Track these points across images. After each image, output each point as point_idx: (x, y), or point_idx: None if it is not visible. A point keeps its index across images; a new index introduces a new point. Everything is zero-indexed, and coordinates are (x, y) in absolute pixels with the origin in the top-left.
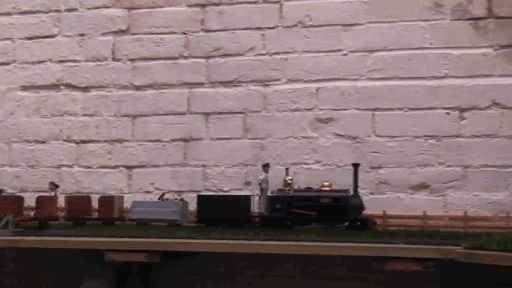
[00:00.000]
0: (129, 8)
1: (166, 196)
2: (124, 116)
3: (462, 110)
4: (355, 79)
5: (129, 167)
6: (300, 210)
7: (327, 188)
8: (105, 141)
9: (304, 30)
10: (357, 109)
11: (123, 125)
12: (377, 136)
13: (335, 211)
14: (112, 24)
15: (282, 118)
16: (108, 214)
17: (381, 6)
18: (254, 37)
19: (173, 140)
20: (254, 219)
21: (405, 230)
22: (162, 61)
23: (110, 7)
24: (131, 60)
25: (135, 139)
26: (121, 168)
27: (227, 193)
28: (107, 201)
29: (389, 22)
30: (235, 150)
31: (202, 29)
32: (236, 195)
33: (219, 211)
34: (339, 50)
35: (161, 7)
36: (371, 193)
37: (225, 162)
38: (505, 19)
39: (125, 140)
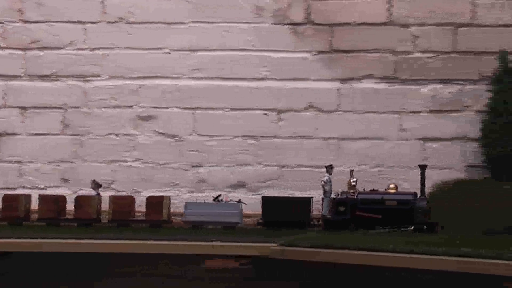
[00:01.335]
0: None
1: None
2: None
3: (280, 111)
4: (176, 78)
5: None
6: (364, 213)
7: (392, 191)
8: None
9: (127, 26)
10: (178, 107)
11: None
12: (197, 134)
13: (401, 214)
14: None
15: (102, 114)
16: (157, 216)
17: (204, 6)
18: (75, 31)
19: None
20: (318, 222)
21: (223, 228)
22: None
23: None
24: None
25: None
26: None
27: (44, 191)
28: (156, 202)
29: (212, 23)
30: (53, 146)
31: (20, 20)
32: (300, 197)
33: (284, 214)
34: (162, 48)
35: None
36: (191, 192)
37: (42, 159)
38: (322, 25)
39: None
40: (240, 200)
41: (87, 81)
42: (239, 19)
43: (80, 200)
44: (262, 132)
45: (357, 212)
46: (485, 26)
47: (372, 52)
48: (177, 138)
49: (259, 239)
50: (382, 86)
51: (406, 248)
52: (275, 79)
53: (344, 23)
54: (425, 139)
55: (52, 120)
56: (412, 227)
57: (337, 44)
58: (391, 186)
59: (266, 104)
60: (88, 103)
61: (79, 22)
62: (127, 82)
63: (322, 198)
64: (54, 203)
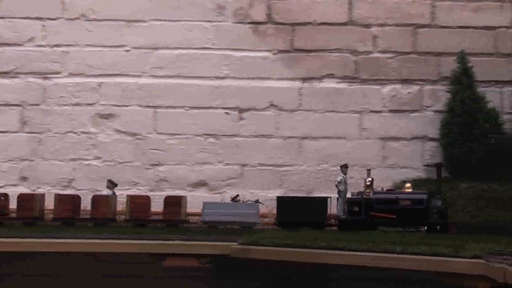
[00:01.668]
0: None
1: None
2: None
3: (241, 110)
4: (137, 76)
5: None
6: (379, 213)
7: (408, 190)
8: None
9: (87, 23)
10: (139, 105)
11: None
12: (158, 133)
13: (415, 214)
14: None
15: (62, 112)
16: (175, 216)
17: (166, 4)
18: (34, 27)
19: None
20: (334, 223)
21: (185, 226)
22: None
23: None
24: None
25: None
26: None
27: (3, 189)
28: (173, 202)
29: (173, 21)
30: (10, 144)
31: None
32: (316, 197)
33: (300, 214)
34: (122, 46)
35: None
36: (151, 190)
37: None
38: (284, 25)
39: None
40: (257, 200)
41: (47, 78)
42: (200, 18)
43: (97, 200)
44: (223, 131)
45: (372, 212)
46: (444, 27)
47: (332, 52)
48: (137, 137)
49: (221, 238)
50: (342, 85)
51: (365, 247)
52: (236, 78)
53: (305, 22)
54: (385, 139)
55: (10, 118)
56: (425, 228)
57: (298, 43)
58: (408, 185)
59: (227, 103)
60: (47, 101)
61: (38, 18)
62: (88, 79)
63: (337, 198)
64: (70, 202)
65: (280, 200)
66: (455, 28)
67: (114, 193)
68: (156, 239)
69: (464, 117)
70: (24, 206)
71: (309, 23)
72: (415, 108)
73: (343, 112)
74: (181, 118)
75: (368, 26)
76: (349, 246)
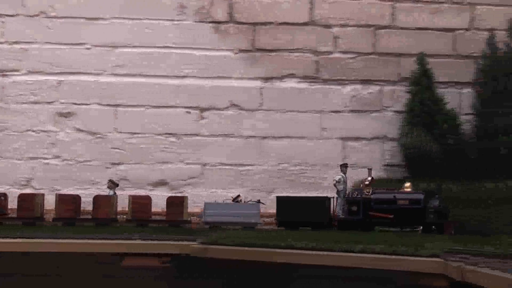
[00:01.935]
0: None
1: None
2: None
3: (202, 109)
4: (98, 74)
5: None
6: (377, 213)
7: (408, 189)
8: None
9: (47, 20)
10: (99, 104)
11: None
12: (118, 132)
13: (413, 214)
14: None
15: (20, 110)
16: (177, 216)
17: (126, 2)
18: None
19: None
20: (334, 223)
21: (147, 225)
22: None
23: None
24: None
25: None
26: None
27: None
28: (176, 202)
29: (134, 19)
30: None
31: None
32: (316, 197)
33: (300, 214)
34: (82, 44)
35: None
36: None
37: None
38: (245, 24)
39: None
40: (259, 200)
41: (5, 75)
42: (161, 16)
43: (98, 200)
44: (183, 130)
45: (370, 212)
46: (404, 28)
47: (294, 52)
48: (97, 135)
49: (182, 237)
50: (303, 85)
51: (324, 246)
52: (197, 77)
53: (267, 22)
54: (346, 139)
55: None
56: (421, 228)
57: (260, 43)
58: (407, 184)
59: (188, 102)
60: (6, 99)
61: None
62: (47, 77)
63: (336, 198)
64: (72, 202)
65: (280, 200)
66: (415, 29)
67: (115, 193)
68: (116, 239)
69: (423, 117)
70: (24, 206)
71: (271, 22)
72: (375, 109)
73: (304, 112)
74: (142, 117)
75: (329, 26)
76: (309, 246)
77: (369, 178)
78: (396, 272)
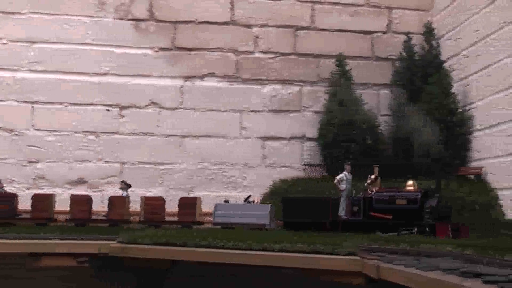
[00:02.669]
0: None
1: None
2: None
3: (122, 107)
4: (14, 70)
5: None
6: (377, 213)
7: (411, 188)
8: None
9: None
10: (16, 101)
11: None
12: (36, 129)
13: (410, 214)
14: None
15: None
16: (189, 217)
17: None
18: None
19: None
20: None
21: (64, 225)
22: None
23: None
24: None
25: None
26: None
27: None
28: (188, 203)
29: (52, 14)
30: None
31: None
32: (322, 197)
33: (304, 215)
34: None
35: None
36: (28, 188)
37: None
38: (165, 22)
39: None
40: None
41: None
42: (80, 12)
43: (113, 201)
44: (103, 128)
45: (371, 212)
46: (323, 30)
47: (214, 51)
48: (14, 133)
49: (101, 237)
50: (223, 84)
51: (243, 245)
52: (117, 75)
53: (187, 21)
54: (265, 138)
55: None
56: (415, 230)
57: (180, 41)
58: (409, 182)
59: (107, 99)
60: None
61: None
62: None
63: (340, 198)
64: (86, 203)
65: (285, 200)
66: (334, 31)
67: (127, 194)
68: (33, 238)
69: (342, 118)
70: (38, 207)
71: (191, 21)
72: (294, 109)
73: (224, 111)
74: (60, 115)
75: (249, 26)
76: (228, 245)
77: (372, 176)
78: (314, 270)
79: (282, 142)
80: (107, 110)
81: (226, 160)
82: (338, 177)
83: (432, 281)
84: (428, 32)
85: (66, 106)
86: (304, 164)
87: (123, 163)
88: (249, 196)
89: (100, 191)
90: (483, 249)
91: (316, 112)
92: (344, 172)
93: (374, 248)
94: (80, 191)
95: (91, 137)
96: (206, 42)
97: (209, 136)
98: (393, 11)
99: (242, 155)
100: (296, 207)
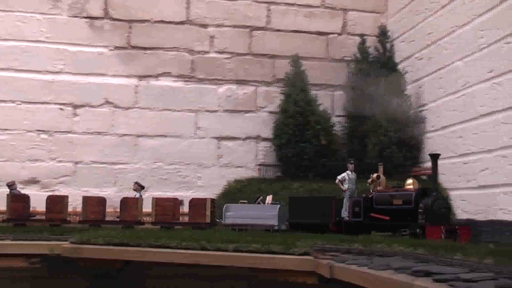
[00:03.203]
0: None
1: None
2: None
3: (76, 106)
4: None
5: None
6: (377, 213)
7: (409, 187)
8: None
9: None
10: None
11: None
12: None
13: (406, 215)
14: None
15: None
16: (199, 218)
17: None
18: None
19: None
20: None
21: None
22: None
23: None
24: None
25: None
26: None
27: None
28: (198, 204)
29: (5, 11)
30: None
31: None
32: (328, 196)
33: (309, 215)
34: None
35: None
36: None
37: None
38: (120, 21)
39: None
40: (280, 202)
41: None
42: (34, 9)
43: (126, 202)
44: (56, 127)
45: (371, 213)
46: (279, 30)
47: (169, 50)
48: None
49: (57, 237)
50: (179, 84)
51: (197, 245)
52: (71, 73)
53: (143, 20)
54: (220, 138)
55: None
56: (407, 231)
57: (135, 40)
58: (409, 181)
59: (61, 98)
60: None
61: None
62: None
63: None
64: (98, 204)
65: (292, 200)
66: (289, 32)
67: (141, 196)
68: None
69: (297, 118)
70: (53, 208)
71: (147, 20)
72: (249, 109)
73: (179, 111)
74: (12, 113)
75: (205, 26)
76: (181, 245)
77: (374, 176)
78: (269, 270)
79: (237, 142)
80: (61, 109)
81: (180, 160)
82: (339, 177)
83: (384, 279)
84: (383, 34)
85: (18, 104)
86: (259, 164)
87: (77, 162)
88: (259, 197)
89: (52, 191)
90: (433, 248)
91: (271, 112)
92: (346, 171)
93: (328, 248)
94: (33, 191)
95: (44, 136)
96: (162, 41)
97: (164, 136)
98: (348, 13)
99: (197, 155)
100: (303, 207)
